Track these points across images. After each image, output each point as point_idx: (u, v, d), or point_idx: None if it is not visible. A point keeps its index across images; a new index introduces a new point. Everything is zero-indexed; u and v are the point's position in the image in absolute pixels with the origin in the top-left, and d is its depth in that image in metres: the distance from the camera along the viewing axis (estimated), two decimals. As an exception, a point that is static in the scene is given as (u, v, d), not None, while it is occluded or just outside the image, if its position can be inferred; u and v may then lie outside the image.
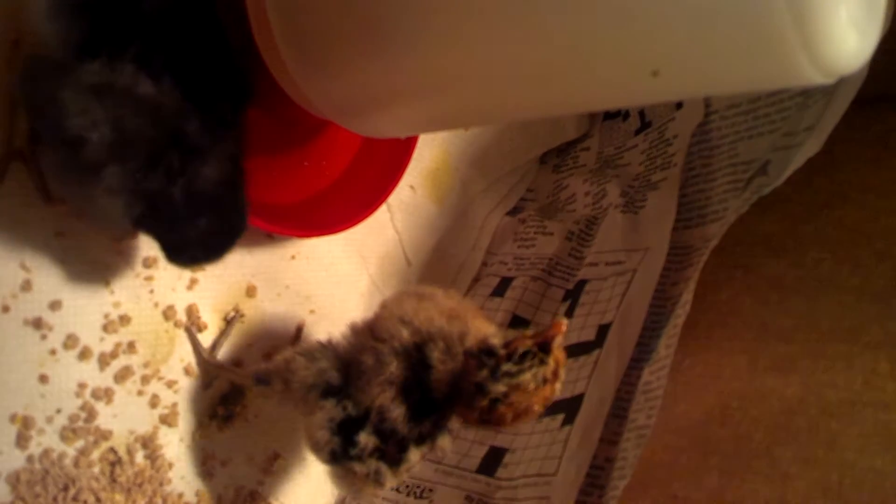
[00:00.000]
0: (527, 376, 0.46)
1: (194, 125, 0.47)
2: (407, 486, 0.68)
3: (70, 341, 0.55)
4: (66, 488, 0.53)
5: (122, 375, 0.57)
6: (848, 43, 0.33)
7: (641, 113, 0.85)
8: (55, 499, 0.53)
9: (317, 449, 0.52)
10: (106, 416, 0.57)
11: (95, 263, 0.57)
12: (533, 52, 0.41)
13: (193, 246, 0.50)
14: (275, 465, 0.65)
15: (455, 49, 0.44)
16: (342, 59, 0.50)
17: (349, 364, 0.52)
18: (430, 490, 0.67)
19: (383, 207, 0.74)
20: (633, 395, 0.62)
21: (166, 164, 0.46)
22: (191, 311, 0.61)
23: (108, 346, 0.57)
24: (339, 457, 0.51)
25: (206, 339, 0.62)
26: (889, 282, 0.60)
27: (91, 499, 0.54)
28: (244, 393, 0.63)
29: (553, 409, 0.67)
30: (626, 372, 0.65)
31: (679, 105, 0.79)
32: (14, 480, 0.52)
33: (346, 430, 0.51)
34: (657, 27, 0.35)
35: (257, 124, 0.63)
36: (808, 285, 0.63)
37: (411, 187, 0.78)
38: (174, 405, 0.60)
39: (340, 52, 0.50)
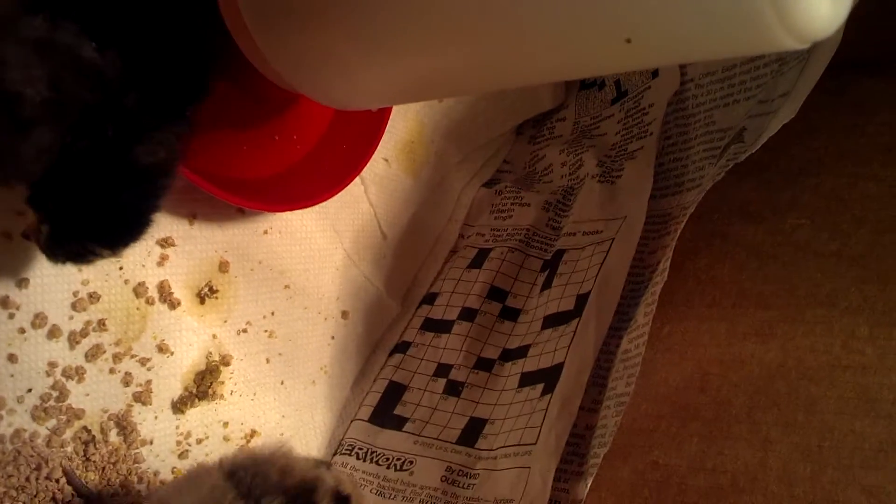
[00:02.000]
0: None
1: (134, 101, 0.44)
2: (387, 459, 0.67)
3: (38, 320, 0.54)
4: (38, 468, 0.52)
5: (94, 354, 0.56)
6: (821, 7, 0.33)
7: (617, 82, 0.84)
8: (28, 479, 0.52)
9: None
10: (78, 395, 0.55)
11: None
12: (503, 17, 0.40)
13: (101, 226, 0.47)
14: (251, 442, 0.64)
15: (421, 10, 0.43)
16: (307, 25, 0.49)
17: None
18: (411, 462, 0.66)
19: (357, 181, 0.73)
20: (613, 364, 0.63)
21: (99, 132, 0.44)
22: (162, 288, 0.60)
23: (77, 325, 0.56)
24: None
25: (179, 315, 0.61)
26: (867, 247, 0.60)
27: (64, 478, 0.53)
28: (220, 370, 0.63)
29: (533, 378, 0.67)
30: (605, 340, 0.65)
31: (655, 74, 0.79)
32: (-16, 462, 0.51)
33: None
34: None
35: (226, 98, 0.62)
36: (786, 251, 0.63)
37: (385, 160, 0.77)
38: (148, 383, 0.59)
39: (305, 18, 0.48)
